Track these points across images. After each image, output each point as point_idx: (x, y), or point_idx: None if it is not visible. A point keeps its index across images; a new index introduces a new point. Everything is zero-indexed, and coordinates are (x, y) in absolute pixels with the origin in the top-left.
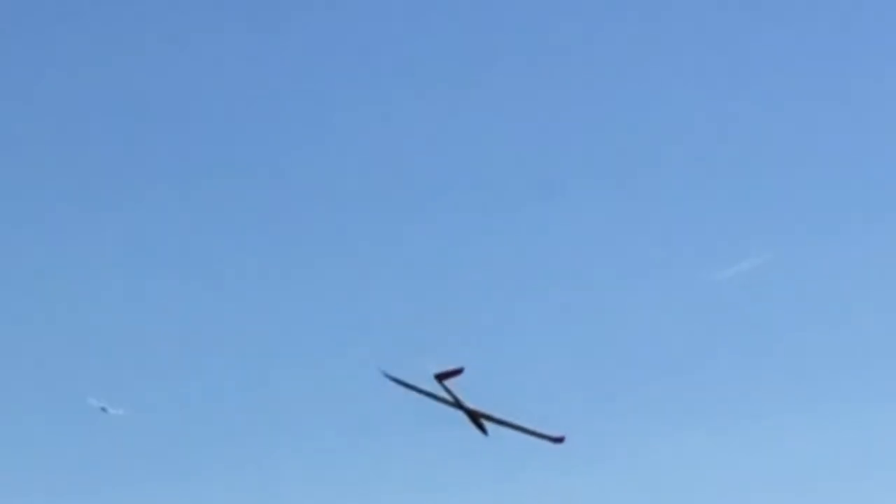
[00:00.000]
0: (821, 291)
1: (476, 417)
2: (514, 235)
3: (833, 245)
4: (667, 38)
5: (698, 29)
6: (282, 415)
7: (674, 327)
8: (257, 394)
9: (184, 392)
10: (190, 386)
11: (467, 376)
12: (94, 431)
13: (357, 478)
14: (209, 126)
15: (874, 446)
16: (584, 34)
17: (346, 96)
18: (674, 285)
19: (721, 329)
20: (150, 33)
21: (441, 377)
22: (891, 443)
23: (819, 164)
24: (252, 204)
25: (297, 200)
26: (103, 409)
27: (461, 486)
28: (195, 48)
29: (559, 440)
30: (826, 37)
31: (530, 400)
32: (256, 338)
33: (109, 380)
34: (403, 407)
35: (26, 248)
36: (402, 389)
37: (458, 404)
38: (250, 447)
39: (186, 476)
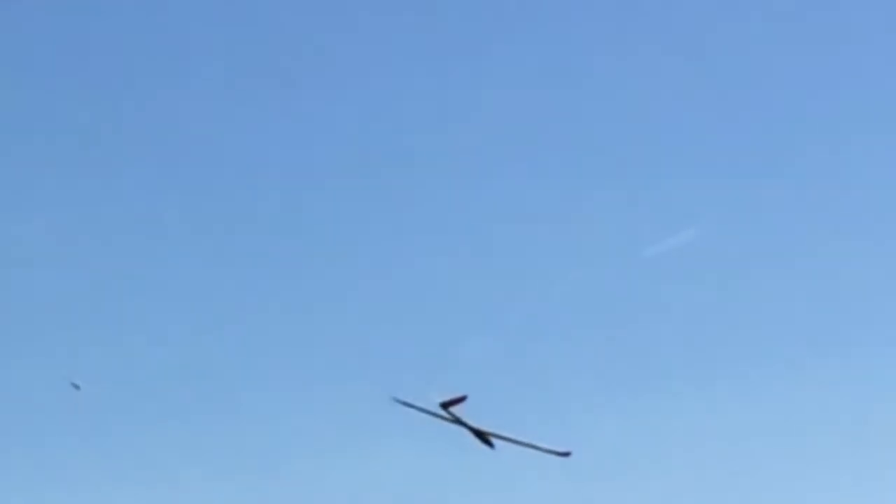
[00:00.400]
0: (750, 267)
1: (482, 435)
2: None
3: (761, 221)
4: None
5: None
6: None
7: (603, 304)
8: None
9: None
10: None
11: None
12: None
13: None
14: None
15: (800, 418)
16: None
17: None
18: (603, 263)
19: (649, 306)
20: None
21: (446, 405)
22: (814, 417)
23: (746, 142)
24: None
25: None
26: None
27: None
28: None
29: (566, 454)
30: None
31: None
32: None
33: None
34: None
35: None
36: (411, 411)
37: (464, 424)
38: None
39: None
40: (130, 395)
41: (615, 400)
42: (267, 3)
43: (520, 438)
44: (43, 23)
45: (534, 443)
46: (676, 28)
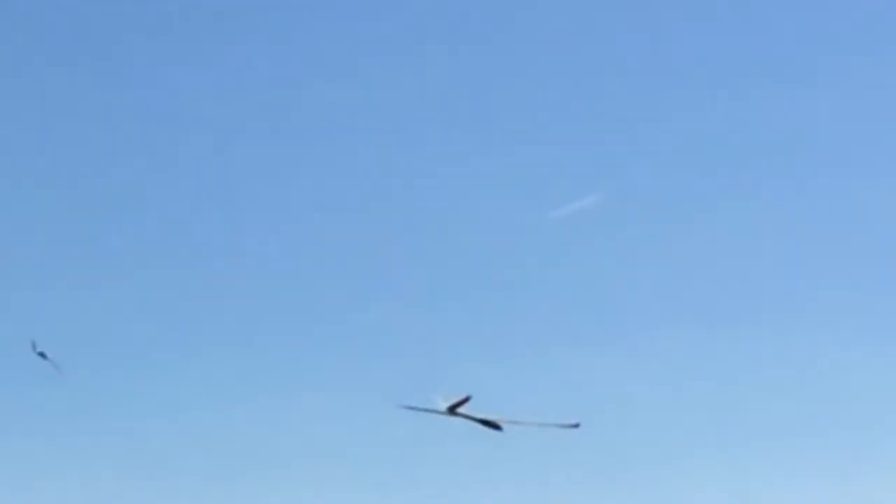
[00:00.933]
0: (654, 230)
1: (489, 423)
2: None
3: (665, 184)
4: None
5: None
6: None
7: (510, 267)
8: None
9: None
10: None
11: None
12: None
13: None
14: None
15: (697, 375)
16: None
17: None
18: (508, 225)
19: (555, 268)
20: None
21: (453, 409)
22: (713, 375)
23: (647, 107)
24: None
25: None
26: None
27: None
28: None
29: (575, 426)
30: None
31: None
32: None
33: None
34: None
35: None
36: (420, 415)
37: (472, 419)
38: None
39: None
40: None
41: (520, 358)
42: None
43: (527, 419)
44: None
45: (542, 420)
46: None
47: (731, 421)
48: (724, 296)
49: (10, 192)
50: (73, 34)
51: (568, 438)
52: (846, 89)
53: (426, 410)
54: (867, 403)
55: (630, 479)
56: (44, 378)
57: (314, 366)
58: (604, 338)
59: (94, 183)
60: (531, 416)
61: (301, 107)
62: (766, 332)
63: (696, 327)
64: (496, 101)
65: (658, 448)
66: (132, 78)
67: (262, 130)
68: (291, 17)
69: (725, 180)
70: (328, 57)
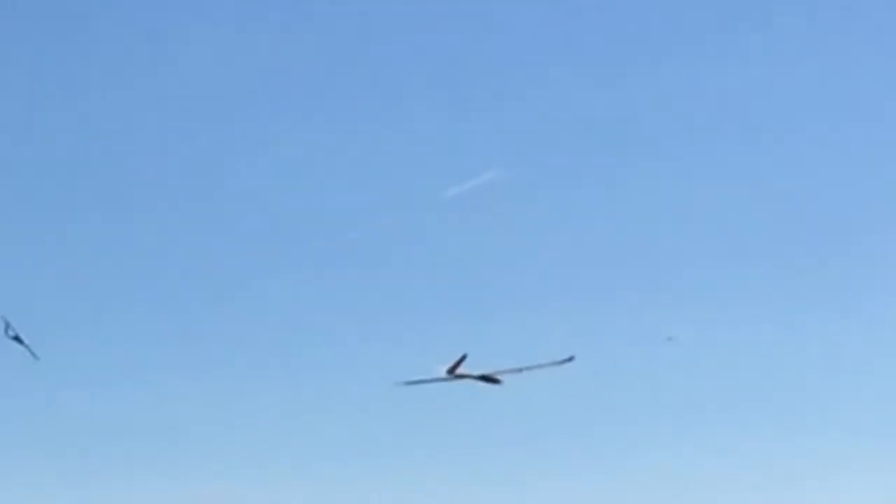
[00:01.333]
0: (551, 208)
1: (487, 378)
2: None
3: (564, 161)
4: None
5: None
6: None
7: (407, 245)
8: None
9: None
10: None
11: None
12: None
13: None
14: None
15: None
16: None
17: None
18: (405, 204)
19: (452, 245)
20: None
21: (452, 370)
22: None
23: (548, 84)
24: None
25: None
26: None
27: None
28: None
29: (570, 360)
30: None
31: None
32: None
33: None
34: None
35: None
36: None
37: (471, 377)
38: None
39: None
40: None
41: (424, 335)
42: None
43: (523, 366)
44: None
45: (537, 363)
46: None
47: (618, 396)
48: (621, 270)
49: None
50: None
51: None
52: (747, 68)
53: (426, 381)
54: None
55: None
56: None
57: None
58: (499, 313)
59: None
60: (526, 361)
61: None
62: (660, 306)
63: (591, 304)
64: (388, 80)
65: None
66: None
67: None
68: None
69: (619, 156)
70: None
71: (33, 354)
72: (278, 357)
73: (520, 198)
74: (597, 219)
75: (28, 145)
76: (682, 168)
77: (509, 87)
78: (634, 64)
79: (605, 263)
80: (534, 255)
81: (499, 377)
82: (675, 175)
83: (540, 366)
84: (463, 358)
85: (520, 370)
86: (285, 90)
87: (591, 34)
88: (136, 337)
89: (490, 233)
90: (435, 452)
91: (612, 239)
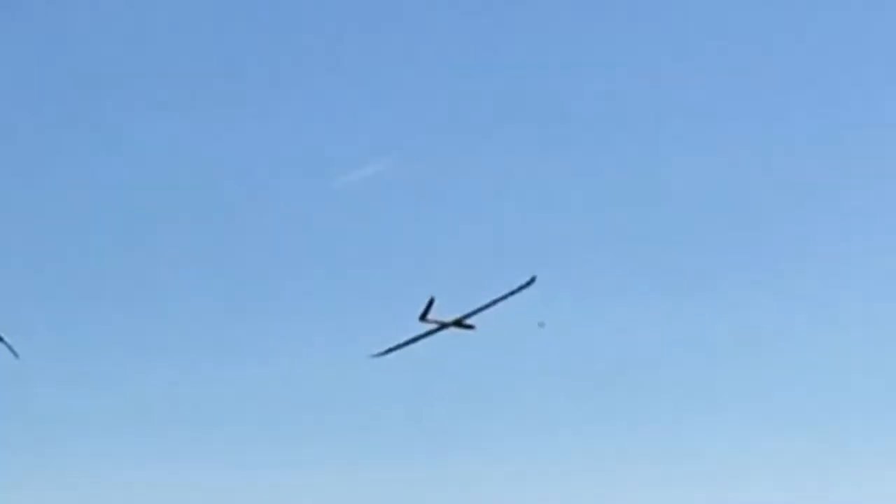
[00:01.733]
0: (440, 195)
1: (461, 324)
2: None
3: (454, 149)
4: None
5: None
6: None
7: (297, 235)
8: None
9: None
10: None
11: None
12: None
13: None
14: None
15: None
16: None
17: None
18: (293, 194)
19: (342, 235)
20: None
21: (424, 315)
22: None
23: (435, 74)
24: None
25: None
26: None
27: None
28: None
29: (532, 280)
30: None
31: None
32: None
33: None
34: None
35: None
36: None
37: (446, 325)
38: None
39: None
40: None
41: (309, 323)
42: None
43: (489, 300)
44: None
45: (502, 294)
46: None
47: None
48: (505, 257)
49: None
50: None
51: None
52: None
53: (402, 345)
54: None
55: None
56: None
57: None
58: (383, 302)
59: None
60: (491, 295)
61: None
62: (546, 291)
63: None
64: (277, 69)
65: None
66: None
67: None
68: None
69: (505, 145)
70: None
71: (13, 351)
72: None
73: (408, 187)
74: (484, 207)
75: None
76: (565, 155)
77: (397, 76)
78: (515, 51)
79: (491, 251)
80: (421, 244)
81: (471, 322)
82: (558, 161)
83: (504, 297)
84: (431, 301)
85: (486, 306)
86: (166, 79)
87: (474, 20)
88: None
89: (379, 222)
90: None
91: (498, 226)
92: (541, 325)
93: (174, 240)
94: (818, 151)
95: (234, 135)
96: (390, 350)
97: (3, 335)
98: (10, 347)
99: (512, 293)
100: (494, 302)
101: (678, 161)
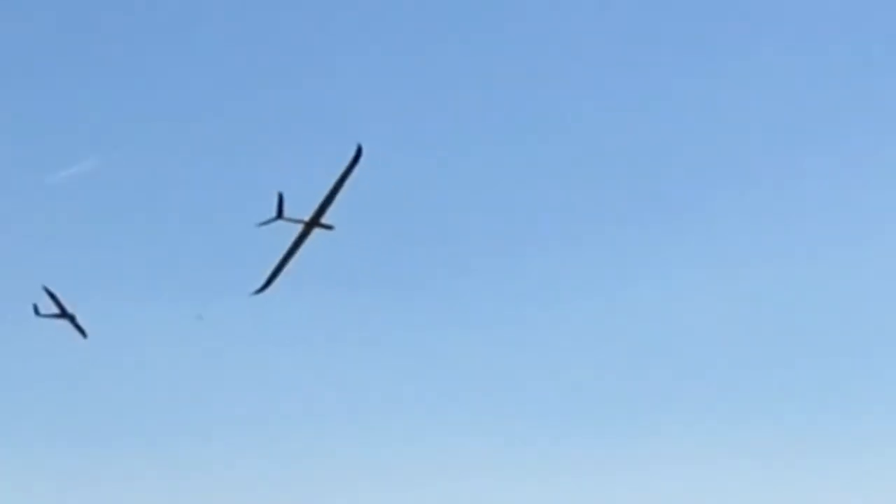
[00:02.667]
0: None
1: (321, 224)
2: None
3: (158, 151)
4: None
5: None
6: None
7: (15, 232)
8: None
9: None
10: None
11: None
12: None
13: None
14: None
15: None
16: None
17: None
18: (5, 190)
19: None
20: None
21: (279, 213)
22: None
23: (144, 72)
24: None
25: None
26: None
27: None
28: None
29: (358, 153)
30: None
31: None
32: None
33: None
34: None
35: None
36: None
37: (308, 228)
38: None
39: None
40: None
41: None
42: None
43: (329, 191)
44: None
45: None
46: None
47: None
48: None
49: None
50: None
51: None
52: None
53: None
54: None
55: None
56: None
57: None
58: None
59: None
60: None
61: None
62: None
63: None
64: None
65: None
66: None
67: None
68: None
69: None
70: None
71: (83, 332)
72: None
73: (119, 184)
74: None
75: None
76: None
77: (113, 74)
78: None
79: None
80: (134, 244)
81: (328, 223)
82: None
83: (340, 180)
84: (281, 197)
85: (330, 198)
86: None
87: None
88: None
89: (91, 220)
90: None
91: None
92: (199, 317)
93: None
94: None
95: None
96: (269, 282)
97: (75, 314)
98: (79, 328)
99: (347, 173)
100: (335, 190)
101: None
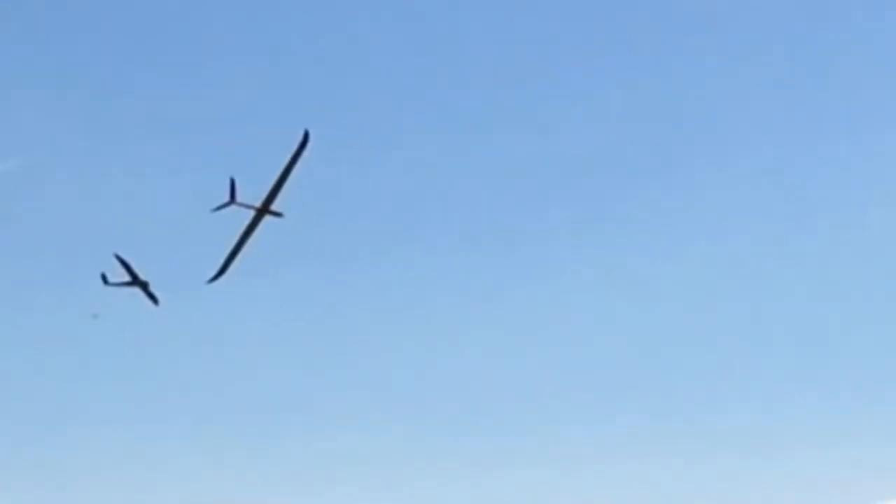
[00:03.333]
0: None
1: (271, 211)
2: None
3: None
4: None
5: None
6: None
7: None
8: None
9: None
10: None
11: None
12: None
13: None
14: None
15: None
16: None
17: None
18: None
19: None
20: None
21: (232, 197)
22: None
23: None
24: None
25: None
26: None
27: None
28: None
29: (305, 139)
30: None
31: None
32: None
33: None
34: None
35: None
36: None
37: (260, 215)
38: None
39: None
40: None
41: None
42: None
43: (278, 177)
44: None
45: (286, 164)
46: None
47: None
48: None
49: None
50: None
51: None
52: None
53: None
54: None
55: None
56: None
57: None
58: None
59: None
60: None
61: None
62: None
63: None
64: None
65: None
66: None
67: None
68: None
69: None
70: None
71: (154, 300)
72: None
73: (35, 186)
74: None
75: None
76: None
77: (26, 75)
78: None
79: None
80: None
81: (278, 210)
82: None
83: (289, 165)
84: (233, 183)
85: (279, 184)
86: None
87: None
88: None
89: (6, 222)
90: None
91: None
92: (94, 316)
93: None
94: None
95: None
96: (223, 270)
97: (148, 281)
98: (151, 296)
99: (295, 159)
100: (284, 176)
101: None
